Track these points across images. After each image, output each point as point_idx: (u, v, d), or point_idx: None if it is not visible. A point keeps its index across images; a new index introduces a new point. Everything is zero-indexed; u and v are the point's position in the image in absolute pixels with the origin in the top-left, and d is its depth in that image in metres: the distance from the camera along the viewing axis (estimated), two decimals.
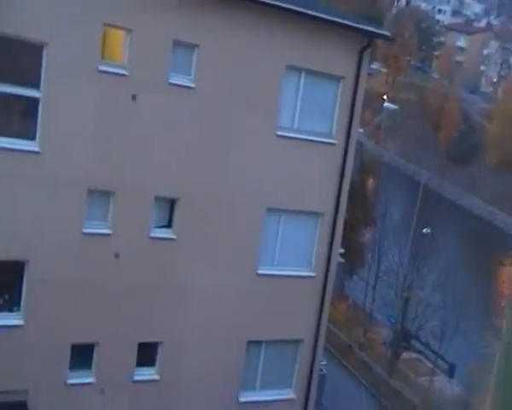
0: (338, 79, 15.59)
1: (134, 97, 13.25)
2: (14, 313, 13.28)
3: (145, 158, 13.72)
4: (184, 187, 14.25)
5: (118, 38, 13.29)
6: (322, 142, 15.68)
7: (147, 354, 14.68)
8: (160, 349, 14.85)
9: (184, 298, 14.76)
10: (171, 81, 13.62)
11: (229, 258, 15.07)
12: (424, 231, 36.17)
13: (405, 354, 35.94)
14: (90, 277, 13.63)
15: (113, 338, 14.09)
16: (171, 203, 14.38)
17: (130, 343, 14.34)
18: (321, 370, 18.80)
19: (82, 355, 14.01)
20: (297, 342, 16.60)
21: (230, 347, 15.48)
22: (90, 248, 13.55)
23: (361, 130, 23.97)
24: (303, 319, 16.42)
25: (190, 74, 13.89)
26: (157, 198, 14.05)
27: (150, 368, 14.85)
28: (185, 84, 13.80)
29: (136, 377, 14.63)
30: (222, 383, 15.50)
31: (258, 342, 16.06)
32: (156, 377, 14.89)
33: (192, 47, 13.79)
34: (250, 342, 15.83)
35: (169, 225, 14.46)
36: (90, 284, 13.64)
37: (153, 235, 14.14)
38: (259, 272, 15.53)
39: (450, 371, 35.33)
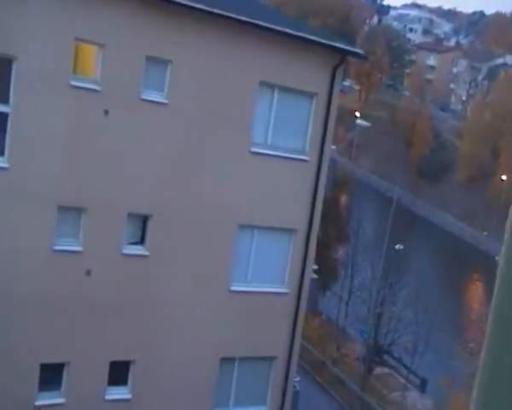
0: (311, 95, 15.68)
1: (106, 113, 13.15)
2: None
3: (117, 174, 13.60)
4: (157, 203, 14.14)
5: (90, 52, 13.21)
6: (295, 158, 15.72)
7: (119, 372, 14.46)
8: (132, 368, 14.64)
9: (157, 315, 14.59)
10: (143, 97, 13.55)
11: (201, 275, 14.96)
12: (397, 247, 36.48)
13: (378, 370, 36.06)
14: (60, 294, 13.40)
15: (83, 357, 13.84)
16: (144, 220, 14.25)
17: (101, 362, 14.11)
18: (295, 386, 18.69)
19: (51, 375, 13.74)
20: (271, 358, 16.52)
21: (203, 364, 15.33)
22: (60, 265, 13.33)
23: (334, 147, 24.14)
24: (277, 336, 16.35)
25: (163, 90, 13.84)
26: (130, 215, 13.92)
27: (122, 387, 14.63)
28: (158, 100, 13.74)
29: (107, 397, 14.38)
30: (195, 400, 15.32)
31: (232, 359, 15.94)
32: (128, 396, 14.66)
33: (165, 63, 13.75)
34: (223, 359, 15.70)
35: (142, 241, 14.32)
36: (60, 301, 13.40)
37: (125, 252, 13.99)
38: (232, 288, 15.45)
39: (422, 387, 35.52)
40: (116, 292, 13.99)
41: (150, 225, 14.23)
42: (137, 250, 14.19)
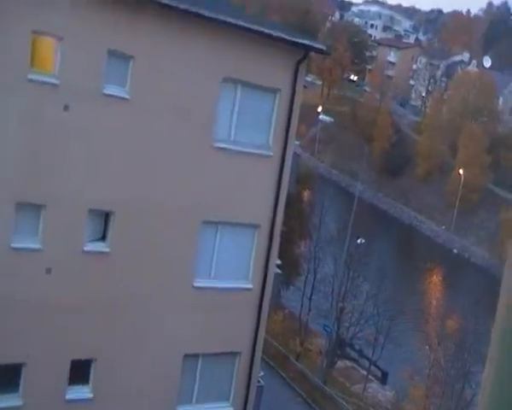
0: (274, 91, 15.67)
1: (66, 108, 12.89)
2: None
3: (78, 170, 13.35)
4: (119, 200, 13.93)
5: (48, 46, 12.91)
6: (259, 154, 15.71)
7: (80, 371, 14.23)
8: (93, 366, 14.43)
9: (119, 313, 14.41)
10: (105, 92, 13.32)
11: (164, 271, 14.83)
12: (358, 241, 36.87)
13: (341, 363, 36.43)
14: (18, 293, 13.10)
15: (43, 356, 13.57)
16: (106, 216, 14.04)
17: (62, 361, 13.87)
18: (258, 381, 18.71)
19: (8, 376, 13.42)
20: (234, 354, 16.50)
21: (167, 361, 15.22)
22: (18, 263, 13.04)
23: (297, 142, 24.20)
24: (240, 332, 16.34)
25: (125, 85, 13.64)
26: (91, 211, 13.69)
27: (84, 386, 14.41)
28: (120, 95, 13.54)
29: (68, 396, 14.15)
30: (158, 397, 15.20)
31: (195, 356, 15.86)
32: (90, 395, 14.45)
33: (127, 58, 13.55)
34: (186, 356, 15.61)
35: (103, 238, 14.11)
36: (18, 300, 13.11)
37: (86, 249, 13.76)
38: (196, 284, 15.36)
39: (383, 379, 36.11)
40: (77, 290, 13.75)
41: (112, 222, 14.02)
42: (99, 247, 13.97)
